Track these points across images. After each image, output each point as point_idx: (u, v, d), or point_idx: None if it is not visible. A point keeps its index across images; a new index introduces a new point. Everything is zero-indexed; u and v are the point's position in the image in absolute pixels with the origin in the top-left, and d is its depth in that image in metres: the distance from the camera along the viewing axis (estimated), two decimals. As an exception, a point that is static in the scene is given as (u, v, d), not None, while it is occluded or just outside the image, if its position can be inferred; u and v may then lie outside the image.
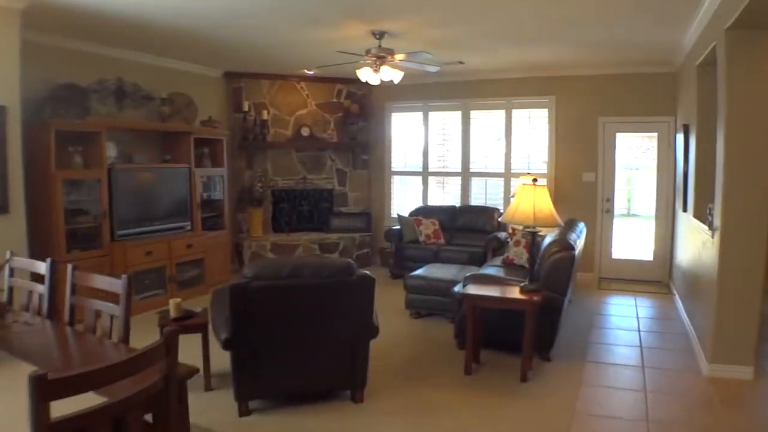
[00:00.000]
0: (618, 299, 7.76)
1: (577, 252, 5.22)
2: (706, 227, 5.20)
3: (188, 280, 7.79)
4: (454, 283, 6.26)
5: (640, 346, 5.79)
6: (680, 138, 7.16)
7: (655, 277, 8.60)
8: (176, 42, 7.08)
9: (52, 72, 6.53)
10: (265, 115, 9.39)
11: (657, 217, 8.56)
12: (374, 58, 6.32)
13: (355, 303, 4.07)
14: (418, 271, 6.88)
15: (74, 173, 6.51)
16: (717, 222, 4.74)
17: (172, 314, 4.65)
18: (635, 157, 9.14)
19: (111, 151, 7.11)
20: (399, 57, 6.22)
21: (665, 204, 8.45)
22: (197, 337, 4.51)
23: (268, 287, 3.88)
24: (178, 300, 4.74)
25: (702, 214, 5.61)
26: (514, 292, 4.85)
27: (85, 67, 6.98)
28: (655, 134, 8.50)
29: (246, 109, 9.25)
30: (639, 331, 6.34)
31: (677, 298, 7.41)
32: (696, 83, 6.16)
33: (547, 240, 5.65)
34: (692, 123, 6.43)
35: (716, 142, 4.93)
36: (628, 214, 9.43)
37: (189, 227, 7.90)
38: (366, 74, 6.48)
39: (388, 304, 7.11)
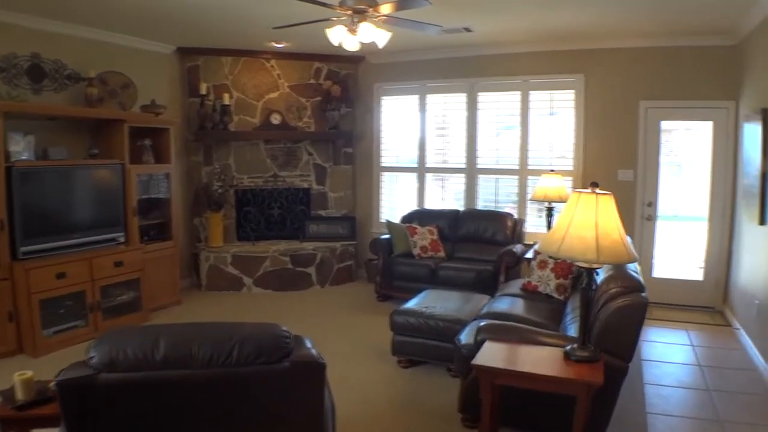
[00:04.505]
0: (666, 335, 6.09)
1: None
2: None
3: (120, 307, 6.34)
4: (459, 322, 4.66)
5: (718, 420, 4.11)
6: (755, 128, 5.50)
7: (705, 302, 6.98)
8: (114, 9, 5.75)
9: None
10: (227, 100, 7.88)
11: (711, 230, 6.90)
12: (350, 12, 4.61)
13: (288, 410, 2.33)
14: (409, 304, 5.19)
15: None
16: None
17: (19, 397, 3.01)
18: (669, 151, 7.43)
19: (17, 144, 5.65)
20: (385, 8, 4.50)
21: (721, 213, 6.78)
22: None
23: (128, 384, 2.17)
24: (29, 374, 3.04)
25: None
26: (557, 363, 3.13)
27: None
28: (709, 123, 6.82)
29: (204, 92, 7.77)
30: (709, 390, 4.68)
31: (743, 333, 5.79)
32: None
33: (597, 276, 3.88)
34: None
35: None
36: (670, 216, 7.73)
37: (122, 239, 6.42)
38: (339, 35, 4.77)
39: (370, 343, 5.66)
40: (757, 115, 5.41)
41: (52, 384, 3.00)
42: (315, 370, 2.38)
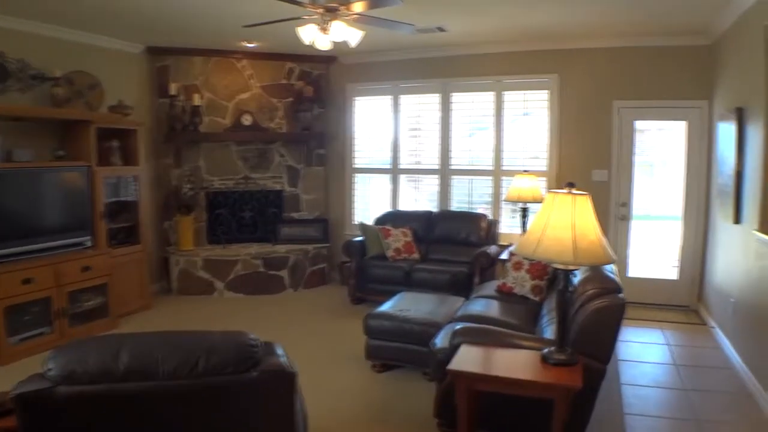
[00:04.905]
0: (642, 334, 6.06)
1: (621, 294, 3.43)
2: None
3: (87, 313, 6.12)
4: (434, 325, 4.58)
5: (696, 419, 4.08)
6: (729, 127, 5.50)
7: (681, 301, 6.98)
8: (81, 7, 5.54)
9: None
10: (197, 100, 7.67)
11: (685, 229, 6.90)
12: (322, 11, 4.50)
13: (257, 421, 2.22)
14: (384, 307, 5.10)
15: None
16: None
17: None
18: (642, 152, 7.42)
19: (-21, 146, 5.47)
20: (357, 6, 4.40)
21: (695, 212, 6.79)
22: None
23: (88, 397, 2.05)
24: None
25: None
26: (534, 367, 3.06)
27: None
28: (683, 123, 6.82)
29: (173, 92, 7.57)
30: (686, 389, 4.65)
31: (719, 332, 5.79)
32: (764, 51, 4.56)
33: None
34: (753, 107, 4.90)
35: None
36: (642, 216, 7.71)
37: (90, 243, 6.22)
38: (310, 34, 4.67)
39: (343, 347, 5.53)
40: (731, 114, 5.40)
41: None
42: (285, 379, 2.27)
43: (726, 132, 5.65)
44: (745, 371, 4.77)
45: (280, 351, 2.59)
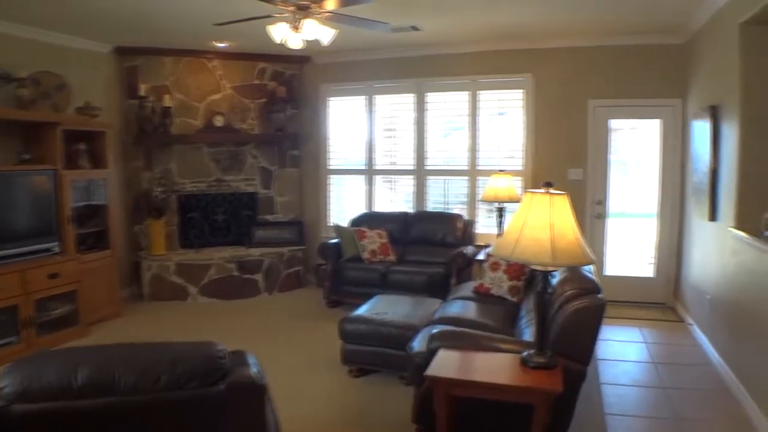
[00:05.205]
0: (619, 333, 6.03)
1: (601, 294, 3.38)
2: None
3: (56, 321, 5.92)
4: (411, 329, 4.48)
5: (676, 418, 4.06)
6: (703, 125, 5.50)
7: (657, 299, 7.00)
8: (47, 6, 5.39)
9: None
10: (167, 102, 7.50)
11: (660, 227, 6.92)
12: (293, 9, 4.40)
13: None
14: (360, 311, 5.00)
15: None
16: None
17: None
18: (615, 150, 7.39)
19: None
20: (329, 4, 4.31)
21: (670, 209, 6.80)
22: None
23: (44, 415, 1.93)
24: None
25: (755, 228, 4.17)
26: (513, 371, 2.99)
27: None
28: (657, 121, 6.83)
29: (143, 93, 7.41)
30: (665, 388, 4.63)
31: (696, 329, 5.80)
32: (739, 49, 4.58)
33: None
34: (728, 104, 4.91)
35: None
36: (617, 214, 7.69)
37: (57, 249, 6.03)
38: (281, 32, 4.57)
39: (319, 352, 5.42)
40: (705, 112, 5.40)
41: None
42: (255, 392, 2.16)
43: (701, 130, 5.65)
44: (723, 367, 4.76)
45: (251, 360, 2.48)
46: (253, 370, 2.25)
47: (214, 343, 2.23)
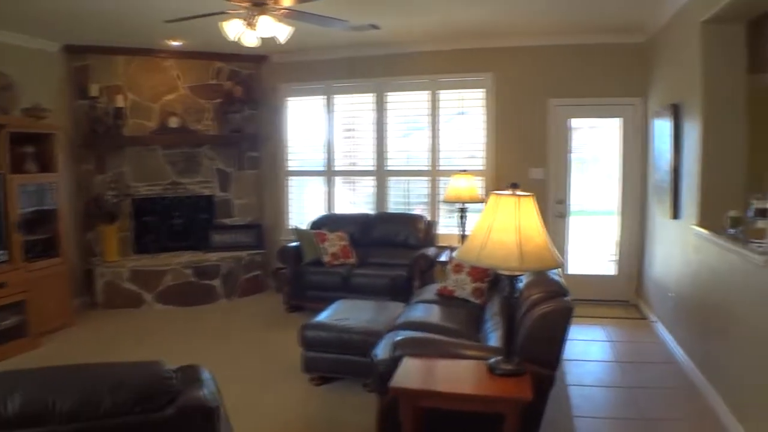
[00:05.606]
0: (583, 332, 5.98)
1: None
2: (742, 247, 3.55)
3: (3, 333, 5.63)
4: (374, 334, 4.33)
5: (643, 418, 4.02)
6: (665, 124, 5.50)
7: (619, 296, 7.01)
8: None
9: None
10: (120, 102, 7.27)
11: (622, 224, 6.93)
12: (248, 5, 4.24)
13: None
14: (321, 317, 4.85)
15: None
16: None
17: None
18: (575, 148, 7.39)
19: None
20: (286, 1, 4.16)
21: (631, 207, 6.81)
22: None
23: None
24: None
25: (717, 225, 4.18)
26: (481, 379, 2.88)
27: None
28: (618, 120, 6.83)
29: (94, 94, 7.16)
30: (631, 387, 4.61)
31: (660, 326, 5.79)
32: (701, 48, 4.60)
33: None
34: (689, 103, 4.93)
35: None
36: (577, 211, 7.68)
37: (4, 257, 5.75)
38: (235, 29, 4.40)
39: (279, 359, 5.24)
40: (666, 110, 5.41)
41: None
42: (205, 415, 2.00)
43: (662, 128, 5.65)
44: (688, 364, 4.75)
45: (205, 375, 2.32)
46: (205, 391, 2.08)
47: (160, 362, 2.06)
